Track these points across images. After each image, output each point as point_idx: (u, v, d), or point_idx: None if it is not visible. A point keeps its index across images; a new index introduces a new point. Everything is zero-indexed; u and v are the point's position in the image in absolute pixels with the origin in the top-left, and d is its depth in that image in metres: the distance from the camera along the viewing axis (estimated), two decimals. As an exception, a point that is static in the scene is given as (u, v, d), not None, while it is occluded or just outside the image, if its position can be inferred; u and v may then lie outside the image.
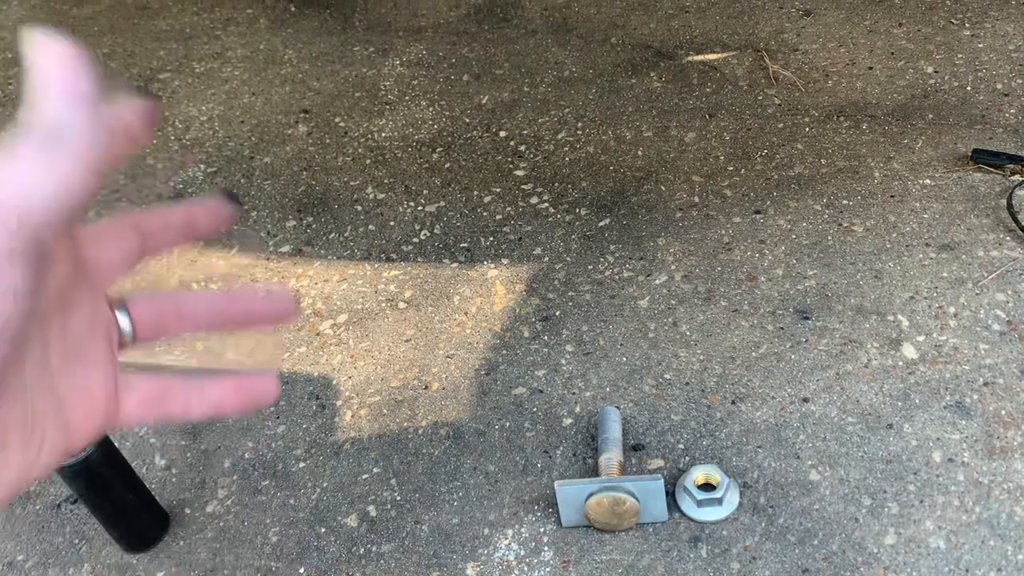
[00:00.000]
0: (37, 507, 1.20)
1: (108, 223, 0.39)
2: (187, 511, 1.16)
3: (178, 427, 1.27)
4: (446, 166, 1.71)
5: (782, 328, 1.27)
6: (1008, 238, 1.35)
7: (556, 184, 1.62)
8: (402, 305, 1.42)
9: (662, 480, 1.01)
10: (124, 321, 0.39)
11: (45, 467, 0.33)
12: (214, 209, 0.42)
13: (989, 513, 1.00)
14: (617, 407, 1.18)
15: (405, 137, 1.81)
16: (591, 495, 1.01)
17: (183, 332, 0.41)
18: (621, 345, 1.28)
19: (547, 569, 1.02)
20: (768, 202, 1.50)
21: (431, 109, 1.89)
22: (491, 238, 1.52)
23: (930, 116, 1.63)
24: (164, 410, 0.39)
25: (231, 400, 0.41)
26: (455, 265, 1.48)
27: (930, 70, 1.75)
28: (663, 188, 1.57)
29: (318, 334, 1.39)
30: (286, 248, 1.57)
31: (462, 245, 1.52)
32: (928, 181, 1.48)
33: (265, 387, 0.42)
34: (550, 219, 1.54)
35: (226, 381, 0.41)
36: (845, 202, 1.47)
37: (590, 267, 1.42)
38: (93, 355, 0.36)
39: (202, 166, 1.81)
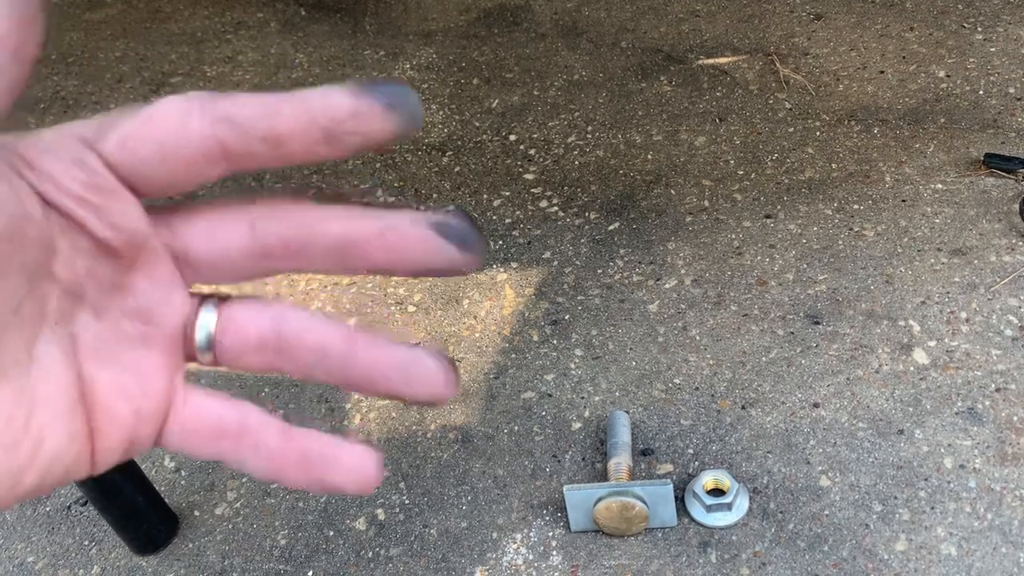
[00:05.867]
0: (47, 509, 1.20)
1: (226, 211, 0.28)
2: (196, 513, 1.17)
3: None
4: (456, 170, 1.72)
5: (792, 333, 1.26)
6: (1020, 243, 1.34)
7: (566, 188, 1.62)
8: (411, 309, 1.42)
9: (671, 485, 1.00)
10: (207, 320, 0.28)
11: (44, 475, 0.25)
12: (405, 241, 0.26)
13: (1001, 520, 1.00)
14: (626, 411, 1.17)
15: (415, 140, 1.82)
16: (600, 500, 1.01)
17: (278, 370, 0.29)
18: (630, 349, 1.28)
19: (556, 574, 1.02)
20: (778, 206, 1.49)
21: (441, 113, 1.89)
22: (500, 242, 1.52)
23: (942, 120, 1.62)
24: (208, 451, 0.29)
25: (293, 475, 0.29)
26: (464, 269, 1.48)
27: (942, 74, 1.74)
28: (673, 192, 1.56)
29: (327, 337, 1.39)
30: (296, 251, 1.57)
31: (471, 249, 1.51)
32: (940, 186, 1.48)
33: (348, 474, 0.29)
34: (559, 223, 1.54)
35: (294, 444, 0.29)
36: (856, 206, 1.46)
37: (599, 271, 1.42)
38: (137, 357, 0.27)
39: (213, 169, 1.82)
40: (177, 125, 0.25)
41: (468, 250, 0.26)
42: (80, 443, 0.26)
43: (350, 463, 0.29)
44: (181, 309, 0.28)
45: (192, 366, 0.30)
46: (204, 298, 0.29)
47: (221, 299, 0.29)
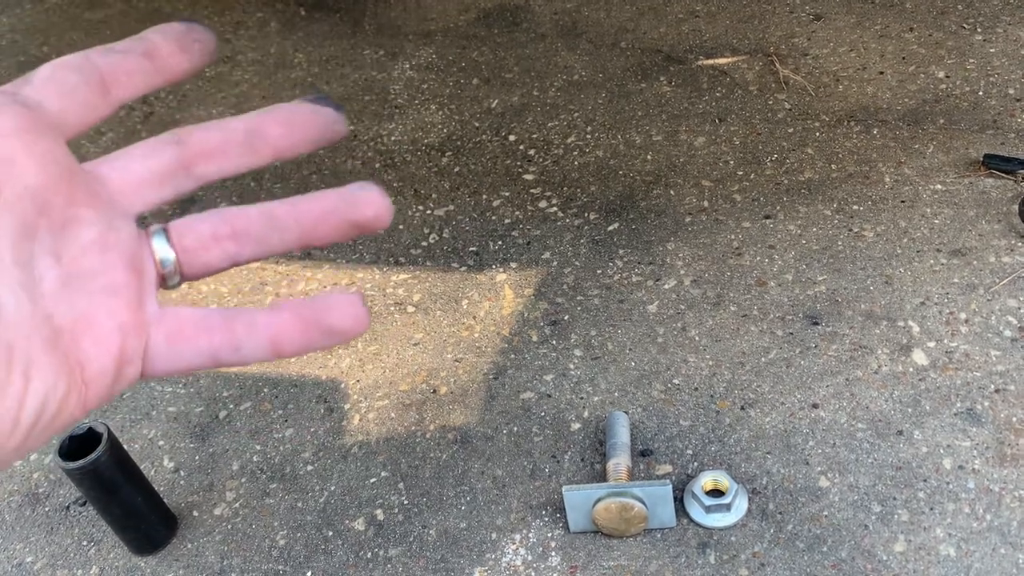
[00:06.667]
0: (46, 509, 1.20)
1: (143, 142, 0.32)
2: (195, 514, 1.17)
3: (187, 430, 1.28)
4: (455, 170, 1.72)
5: (792, 334, 1.26)
6: (1020, 244, 1.34)
7: (565, 188, 1.62)
8: (410, 309, 1.42)
9: (670, 486, 1.00)
10: (161, 247, 0.31)
11: (40, 412, 0.26)
12: (294, 117, 0.32)
13: (1000, 521, 1.00)
14: (625, 412, 1.17)
15: (414, 141, 1.82)
16: (599, 500, 1.01)
17: (245, 256, 0.32)
18: (630, 350, 1.28)
19: (555, 574, 1.02)
20: (778, 207, 1.49)
21: (440, 113, 1.89)
22: (500, 242, 1.52)
23: (941, 121, 1.62)
24: (201, 347, 0.31)
25: (292, 334, 0.31)
26: (464, 269, 1.48)
27: (941, 75, 1.74)
28: (672, 192, 1.56)
29: (327, 337, 1.39)
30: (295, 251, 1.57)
31: (471, 249, 1.52)
32: (939, 186, 1.48)
33: (342, 314, 0.32)
34: (559, 223, 1.54)
35: (284, 310, 0.32)
36: (855, 207, 1.46)
37: (599, 271, 1.42)
38: (104, 282, 0.29)
39: (212, 169, 1.82)
40: None
41: (339, 110, 0.33)
42: (68, 375, 0.27)
43: (341, 304, 0.32)
44: (131, 228, 0.31)
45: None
46: (148, 226, 0.32)
47: (159, 223, 0.32)
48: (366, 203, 0.32)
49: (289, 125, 0.32)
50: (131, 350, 0.30)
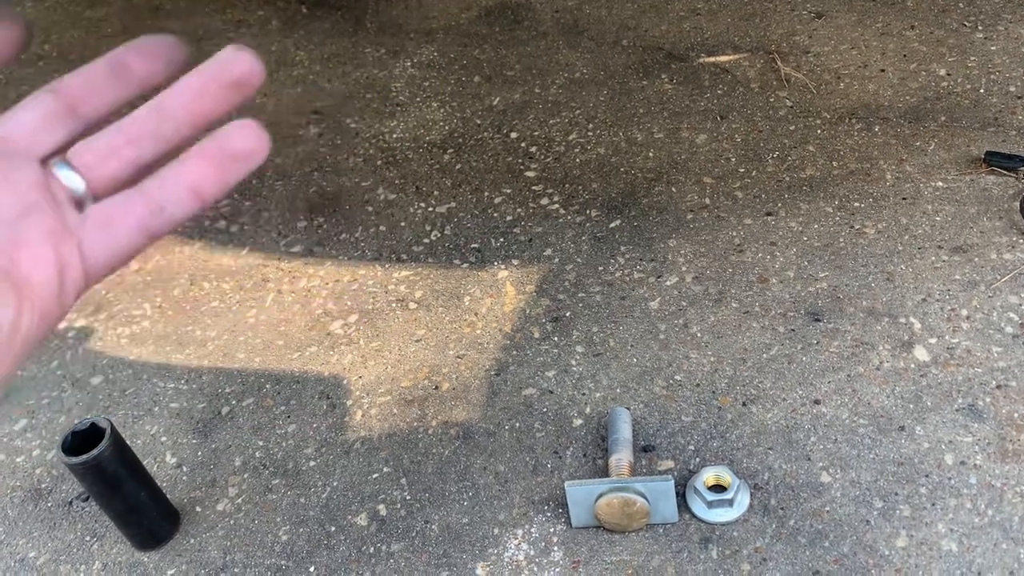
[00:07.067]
0: (49, 504, 1.20)
1: (25, 99, 0.35)
2: (198, 509, 1.17)
3: (189, 426, 1.28)
4: (457, 167, 1.72)
5: (793, 330, 1.26)
6: (1021, 240, 1.34)
7: (567, 185, 1.62)
8: (412, 305, 1.42)
9: (672, 481, 1.00)
10: (64, 173, 0.34)
11: (12, 329, 0.30)
12: (147, 50, 0.35)
13: (1002, 516, 1.00)
14: (627, 408, 1.17)
15: (416, 138, 1.82)
16: (601, 496, 1.01)
17: (146, 155, 0.34)
18: (631, 346, 1.28)
19: (557, 569, 1.02)
20: (779, 204, 1.49)
21: (442, 110, 1.89)
22: (502, 239, 1.52)
23: (943, 118, 1.62)
24: (129, 223, 0.34)
25: (207, 175, 0.34)
26: (466, 266, 1.48)
27: (943, 72, 1.74)
28: (674, 190, 1.56)
29: (329, 334, 1.39)
30: (297, 248, 1.58)
31: (473, 246, 1.52)
32: (940, 183, 1.48)
33: (242, 137, 0.35)
34: (561, 220, 1.54)
35: (190, 157, 0.34)
36: (857, 204, 1.46)
37: (600, 268, 1.42)
38: (21, 207, 0.32)
39: (214, 166, 1.82)
40: None
41: (173, 37, 0.36)
42: (15, 291, 0.31)
43: (237, 129, 0.35)
44: (35, 166, 0.34)
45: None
46: (47, 159, 0.35)
47: (58, 156, 0.35)
48: (235, 61, 0.34)
49: (142, 52, 0.35)
50: (66, 253, 0.33)
